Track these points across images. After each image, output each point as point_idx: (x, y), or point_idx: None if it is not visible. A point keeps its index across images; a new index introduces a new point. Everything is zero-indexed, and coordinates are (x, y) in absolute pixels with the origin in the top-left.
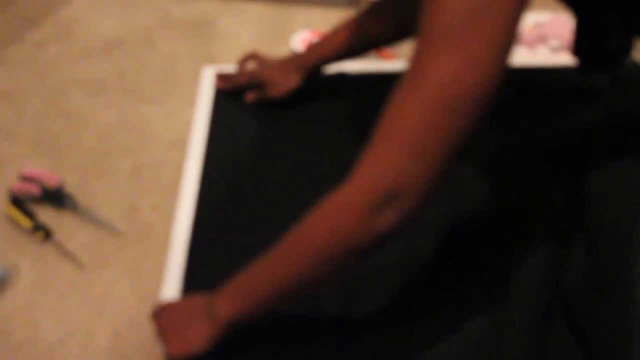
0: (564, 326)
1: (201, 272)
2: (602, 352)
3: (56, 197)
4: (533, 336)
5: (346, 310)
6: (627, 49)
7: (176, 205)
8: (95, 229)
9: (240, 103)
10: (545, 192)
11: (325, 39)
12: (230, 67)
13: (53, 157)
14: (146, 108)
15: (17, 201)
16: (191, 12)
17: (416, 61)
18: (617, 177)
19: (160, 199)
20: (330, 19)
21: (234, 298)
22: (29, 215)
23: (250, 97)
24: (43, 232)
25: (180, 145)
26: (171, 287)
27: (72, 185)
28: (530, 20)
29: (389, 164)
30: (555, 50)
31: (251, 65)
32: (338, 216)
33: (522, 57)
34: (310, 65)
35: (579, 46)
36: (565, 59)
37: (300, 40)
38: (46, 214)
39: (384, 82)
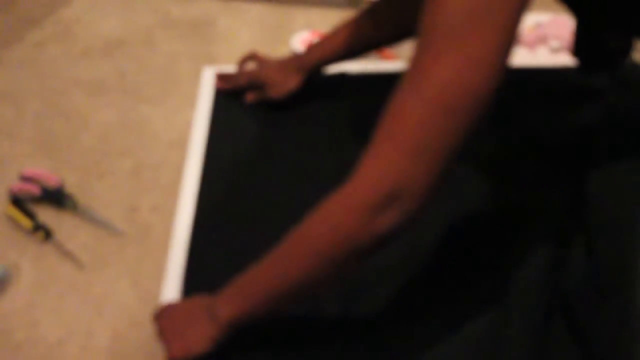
0: (564, 326)
1: (201, 272)
2: (602, 352)
3: (56, 197)
4: (533, 336)
5: (346, 310)
6: (626, 49)
7: (176, 205)
8: (95, 229)
9: (241, 103)
10: (545, 192)
11: (325, 40)
12: (230, 68)
13: (53, 157)
14: (146, 108)
15: (18, 201)
16: (191, 13)
17: (416, 62)
18: (617, 177)
19: (160, 199)
20: (330, 20)
21: (235, 299)
22: (29, 215)
23: (250, 97)
24: (43, 232)
25: (181, 145)
26: (171, 287)
27: (72, 185)
28: (530, 21)
29: (390, 164)
30: (555, 50)
31: (251, 66)
32: (339, 217)
33: (522, 57)
34: (310, 65)
35: (579, 47)
36: (565, 59)
37: (300, 41)
38: (46, 214)
39: (385, 83)
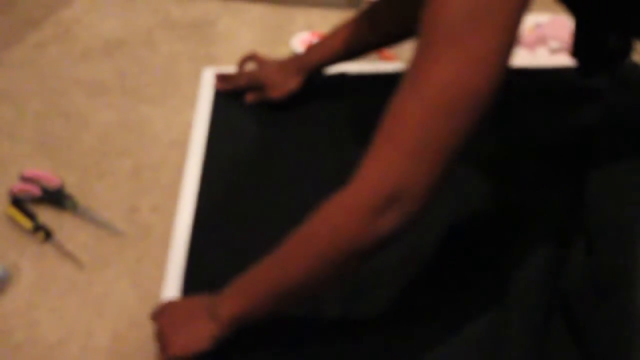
0: (563, 326)
1: (201, 272)
2: (602, 352)
3: (56, 198)
4: (533, 336)
5: (346, 311)
6: (626, 50)
7: (176, 205)
8: (95, 230)
9: (241, 104)
10: (545, 192)
11: (325, 40)
12: (230, 68)
13: (53, 158)
14: (146, 108)
15: (18, 201)
16: (191, 13)
17: (417, 62)
18: (617, 177)
19: (160, 199)
20: (330, 20)
21: (237, 298)
22: (30, 215)
23: (250, 98)
24: (43, 233)
25: (181, 145)
26: (171, 287)
27: (72, 185)
28: (530, 22)
29: (390, 166)
30: (554, 51)
31: (251, 66)
32: (340, 219)
33: (521, 58)
34: (310, 66)
35: (578, 48)
36: (565, 60)
37: (300, 42)
38: (46, 215)
39: (384, 83)
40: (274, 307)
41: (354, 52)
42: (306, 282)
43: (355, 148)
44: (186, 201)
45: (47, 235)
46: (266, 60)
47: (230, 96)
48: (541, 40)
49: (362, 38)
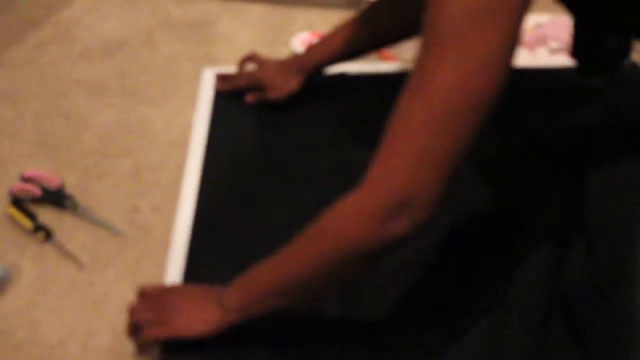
0: (563, 326)
1: (201, 272)
2: (602, 352)
3: (57, 198)
4: (533, 336)
5: (346, 311)
6: (625, 50)
7: (176, 205)
8: (95, 230)
9: (241, 104)
10: (545, 192)
11: (325, 41)
12: (230, 68)
13: (54, 158)
14: (147, 109)
15: (18, 201)
16: (191, 13)
17: (420, 65)
18: (617, 177)
19: (160, 199)
20: (330, 20)
21: (244, 290)
22: (30, 215)
23: (250, 98)
24: (44, 233)
25: (181, 146)
26: None
27: (72, 185)
28: (530, 22)
29: (398, 173)
30: (554, 51)
31: (251, 67)
32: (348, 223)
33: (521, 58)
34: (310, 67)
35: (578, 48)
36: (565, 60)
37: (300, 42)
38: (47, 215)
39: (384, 83)
40: (279, 303)
41: (354, 52)
42: (311, 281)
43: (355, 148)
44: (186, 201)
45: (48, 235)
46: (266, 60)
47: (230, 96)
48: (541, 41)
49: (362, 38)
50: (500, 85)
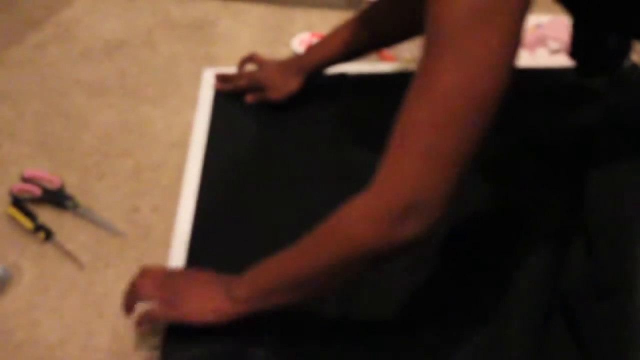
0: (563, 326)
1: None
2: (602, 352)
3: (57, 198)
4: (533, 336)
5: (346, 311)
6: (625, 50)
7: (176, 206)
8: (95, 230)
9: (241, 104)
10: (545, 192)
11: (325, 41)
12: (230, 69)
13: (54, 158)
14: (147, 109)
15: (18, 202)
16: (192, 14)
17: (423, 67)
18: (617, 177)
19: (160, 199)
20: (330, 21)
21: (253, 284)
22: (30, 215)
23: (250, 98)
24: (44, 233)
25: (181, 146)
26: None
27: (72, 186)
28: (530, 22)
29: (406, 177)
30: (554, 52)
31: (250, 67)
32: (357, 227)
33: (521, 58)
34: (309, 67)
35: (577, 48)
36: (564, 60)
37: (300, 42)
38: (47, 215)
39: (384, 83)
40: (286, 299)
41: (354, 53)
42: (319, 280)
43: (355, 148)
44: (186, 201)
45: (48, 235)
46: (266, 61)
47: (230, 97)
48: (541, 41)
49: (362, 39)
50: (504, 86)
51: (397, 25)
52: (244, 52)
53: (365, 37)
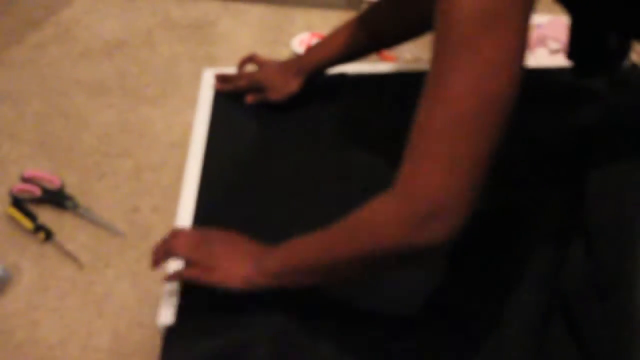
0: (563, 326)
1: None
2: (602, 352)
3: (57, 198)
4: (533, 336)
5: (345, 310)
6: (624, 51)
7: (176, 206)
8: (95, 230)
9: (241, 104)
10: (545, 192)
11: (325, 42)
12: (230, 69)
13: (54, 158)
14: (147, 109)
15: (18, 202)
16: (192, 14)
17: (434, 72)
18: (616, 177)
19: (160, 200)
20: (330, 21)
21: (280, 260)
22: (30, 216)
23: (250, 99)
24: (44, 233)
25: (181, 146)
26: (171, 288)
27: (72, 186)
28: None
29: (426, 182)
30: (553, 52)
31: (250, 68)
32: (382, 228)
33: None
34: (309, 68)
35: (575, 49)
36: (564, 60)
37: (301, 42)
38: (47, 215)
39: (384, 83)
40: (309, 281)
41: (355, 54)
42: (343, 271)
43: (355, 148)
44: (186, 201)
45: (48, 235)
46: (266, 61)
47: (230, 97)
48: (541, 41)
49: (362, 39)
50: (516, 87)
51: (397, 26)
52: (243, 52)
53: (366, 37)
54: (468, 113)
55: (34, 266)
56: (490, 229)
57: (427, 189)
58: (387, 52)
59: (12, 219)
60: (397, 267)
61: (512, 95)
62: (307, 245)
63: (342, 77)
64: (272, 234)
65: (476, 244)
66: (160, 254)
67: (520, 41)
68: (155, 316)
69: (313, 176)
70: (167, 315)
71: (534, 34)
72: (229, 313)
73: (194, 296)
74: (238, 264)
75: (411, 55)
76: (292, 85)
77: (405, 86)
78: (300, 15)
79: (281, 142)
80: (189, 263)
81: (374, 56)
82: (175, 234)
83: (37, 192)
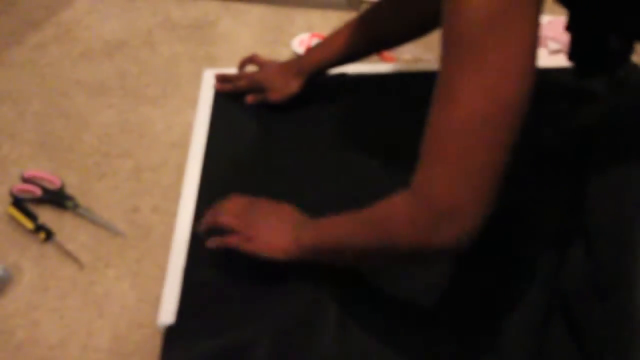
0: (563, 326)
1: (201, 273)
2: (602, 352)
3: (57, 198)
4: (533, 336)
5: (345, 309)
6: (626, 52)
7: (177, 206)
8: (96, 230)
9: (241, 104)
10: (545, 192)
11: (325, 42)
12: (231, 70)
13: (54, 158)
14: (147, 109)
15: (19, 202)
16: (192, 14)
17: (444, 78)
18: (616, 177)
19: (160, 200)
20: (330, 21)
21: (315, 235)
22: (30, 216)
23: (250, 99)
24: (44, 233)
25: (181, 146)
26: (171, 288)
27: (73, 186)
28: None
29: (439, 184)
30: (553, 52)
31: (251, 68)
32: (398, 225)
33: None
34: (310, 69)
35: (576, 51)
36: (564, 61)
37: (301, 43)
38: (47, 215)
39: (384, 83)
40: (339, 261)
41: (355, 55)
42: (366, 258)
43: (355, 148)
44: (186, 202)
45: (48, 235)
46: (266, 62)
47: (230, 97)
48: (540, 41)
49: (363, 40)
50: (527, 91)
51: (397, 27)
52: (244, 53)
53: (366, 38)
54: (478, 117)
55: (34, 266)
56: (490, 229)
57: (440, 193)
58: (387, 53)
59: (12, 219)
60: (413, 263)
61: (524, 99)
62: (335, 227)
63: (342, 77)
64: None
65: (476, 244)
66: (209, 220)
67: (528, 46)
68: (155, 316)
69: (313, 176)
70: (167, 315)
71: None
72: (229, 313)
73: (194, 296)
74: (278, 235)
75: (411, 55)
76: (292, 86)
77: (405, 86)
78: (301, 16)
79: (281, 142)
80: (232, 231)
81: (374, 56)
82: (225, 203)
83: (38, 192)
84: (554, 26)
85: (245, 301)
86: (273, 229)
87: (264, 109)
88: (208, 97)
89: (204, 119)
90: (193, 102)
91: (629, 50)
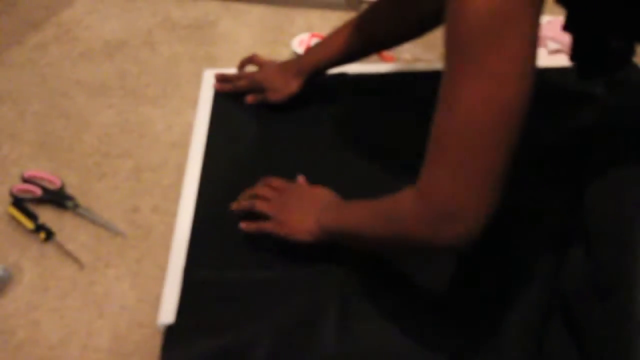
0: (563, 326)
1: (201, 273)
2: (602, 352)
3: (57, 198)
4: (533, 336)
5: (344, 308)
6: (628, 53)
7: (177, 206)
8: (96, 230)
9: (241, 104)
10: (545, 192)
11: (325, 42)
12: (231, 70)
13: (54, 158)
14: (147, 109)
15: (19, 202)
16: (192, 14)
17: (446, 81)
18: (616, 178)
19: (161, 200)
20: (330, 21)
21: (335, 218)
22: (31, 216)
23: (250, 99)
24: (44, 233)
25: (181, 146)
26: (171, 288)
27: (73, 186)
28: None
29: (442, 185)
30: (553, 52)
31: (251, 68)
32: (406, 220)
33: None
34: (309, 69)
35: (577, 51)
36: (564, 61)
37: (301, 43)
38: (47, 215)
39: (384, 83)
40: (356, 245)
41: (355, 55)
42: (381, 246)
43: (355, 148)
44: (187, 202)
45: (48, 235)
46: (266, 62)
47: (230, 97)
48: (540, 41)
49: (362, 40)
50: (527, 94)
51: (397, 27)
52: (244, 53)
53: (365, 38)
54: (479, 119)
55: (34, 266)
56: (490, 229)
57: (443, 194)
58: (386, 53)
59: (12, 219)
60: (426, 255)
61: (523, 103)
62: (353, 214)
63: (342, 77)
64: (271, 234)
65: (476, 243)
66: (246, 205)
67: (529, 49)
68: (155, 316)
69: (313, 176)
70: (167, 315)
71: None
72: (229, 313)
73: (194, 296)
74: (305, 218)
75: (410, 55)
76: (292, 86)
77: (405, 86)
78: (300, 16)
79: (281, 142)
80: (266, 217)
81: (373, 56)
82: (262, 187)
83: (38, 192)
84: (553, 26)
85: (245, 301)
86: (303, 213)
87: (264, 109)
88: (208, 97)
89: (204, 119)
90: (193, 102)
91: (630, 51)
